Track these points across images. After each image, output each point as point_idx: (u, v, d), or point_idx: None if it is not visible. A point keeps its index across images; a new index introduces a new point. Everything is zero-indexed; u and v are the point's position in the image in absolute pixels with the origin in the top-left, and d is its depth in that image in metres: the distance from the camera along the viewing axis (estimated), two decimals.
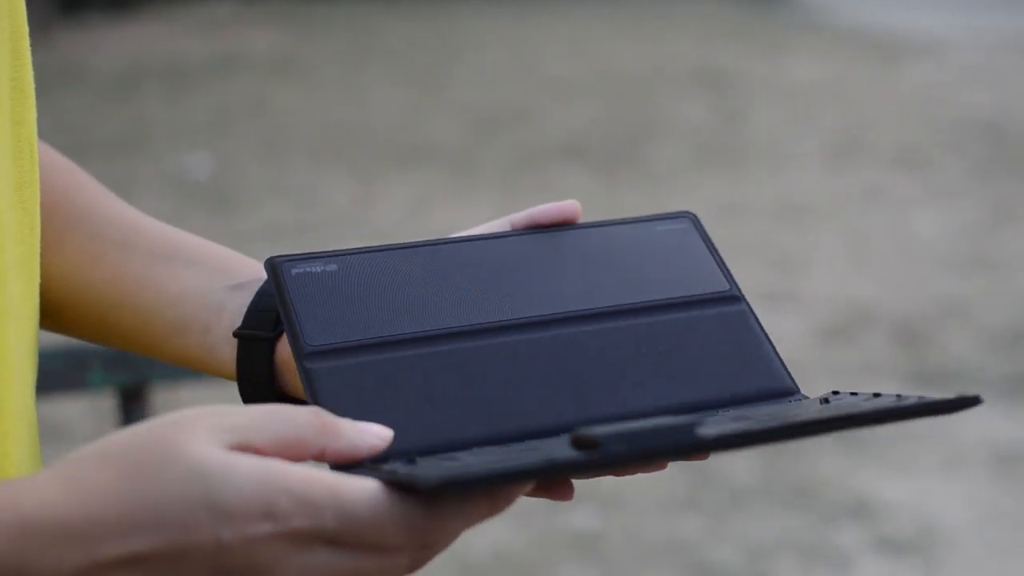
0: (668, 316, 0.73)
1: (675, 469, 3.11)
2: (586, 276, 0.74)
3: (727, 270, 0.77)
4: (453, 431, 0.65)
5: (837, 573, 2.72)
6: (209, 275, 0.75)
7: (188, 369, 0.85)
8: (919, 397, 0.63)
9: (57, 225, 0.77)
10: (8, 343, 0.64)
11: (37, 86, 0.70)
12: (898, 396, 0.65)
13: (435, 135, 6.57)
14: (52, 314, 0.78)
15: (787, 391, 0.73)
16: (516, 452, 0.63)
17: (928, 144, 6.23)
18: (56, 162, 0.80)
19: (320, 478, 0.56)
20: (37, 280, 0.70)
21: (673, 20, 9.87)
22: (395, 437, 0.61)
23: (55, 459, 0.58)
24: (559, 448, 0.61)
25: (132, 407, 1.31)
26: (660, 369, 0.71)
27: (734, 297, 0.75)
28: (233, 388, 0.74)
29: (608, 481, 2.94)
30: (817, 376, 3.48)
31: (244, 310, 0.73)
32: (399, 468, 0.58)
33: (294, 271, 0.69)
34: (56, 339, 0.84)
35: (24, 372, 0.67)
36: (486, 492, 0.58)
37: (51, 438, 2.94)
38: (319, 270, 0.70)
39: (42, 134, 0.76)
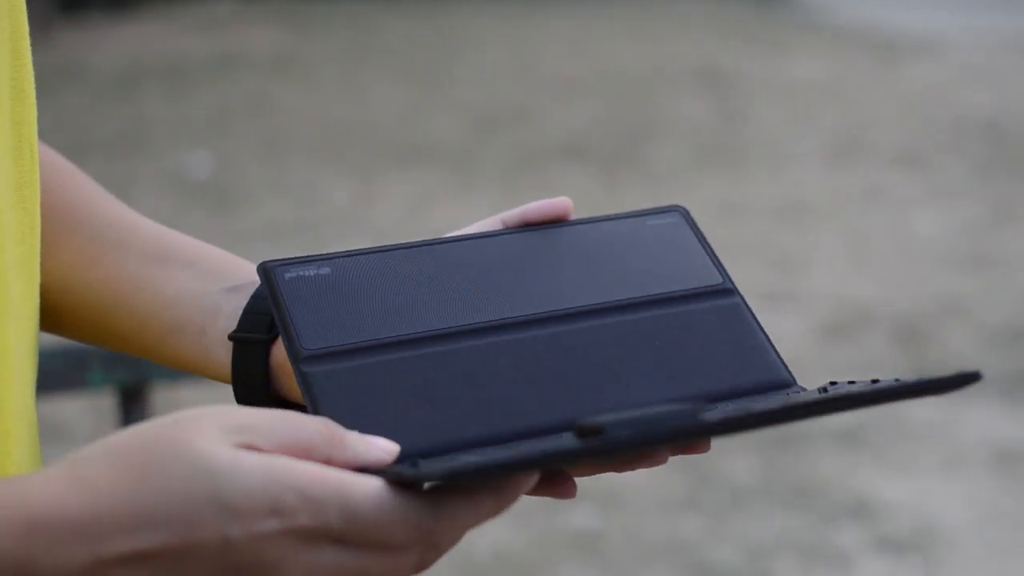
0: (662, 311, 0.73)
1: (675, 469, 3.11)
2: (580, 273, 0.74)
3: (719, 263, 0.77)
4: (453, 432, 0.65)
5: (837, 573, 2.72)
6: (205, 277, 0.75)
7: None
8: (919, 377, 0.63)
9: (55, 227, 0.77)
10: (8, 343, 0.64)
11: (37, 86, 0.70)
12: (897, 380, 0.65)
13: (435, 134, 6.56)
14: (50, 316, 0.78)
15: (784, 383, 0.73)
16: (519, 447, 0.63)
17: (928, 144, 6.22)
18: (56, 164, 0.79)
19: (327, 476, 0.56)
20: (37, 280, 0.70)
21: (673, 20, 9.86)
22: (396, 440, 0.61)
23: (55, 459, 0.58)
24: (562, 440, 0.61)
25: (132, 407, 1.31)
26: (657, 364, 0.71)
27: (727, 290, 0.75)
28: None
29: (608, 481, 2.94)
30: (817, 375, 3.48)
31: (239, 313, 0.73)
32: (404, 469, 0.58)
33: (287, 275, 0.69)
34: (56, 339, 0.84)
35: (24, 372, 0.67)
36: (492, 488, 0.58)
37: (51, 438, 2.93)
38: (312, 274, 0.69)
39: (42, 134, 0.75)
